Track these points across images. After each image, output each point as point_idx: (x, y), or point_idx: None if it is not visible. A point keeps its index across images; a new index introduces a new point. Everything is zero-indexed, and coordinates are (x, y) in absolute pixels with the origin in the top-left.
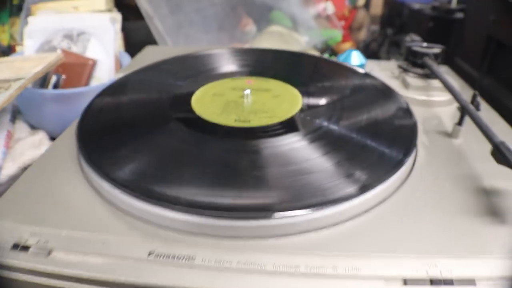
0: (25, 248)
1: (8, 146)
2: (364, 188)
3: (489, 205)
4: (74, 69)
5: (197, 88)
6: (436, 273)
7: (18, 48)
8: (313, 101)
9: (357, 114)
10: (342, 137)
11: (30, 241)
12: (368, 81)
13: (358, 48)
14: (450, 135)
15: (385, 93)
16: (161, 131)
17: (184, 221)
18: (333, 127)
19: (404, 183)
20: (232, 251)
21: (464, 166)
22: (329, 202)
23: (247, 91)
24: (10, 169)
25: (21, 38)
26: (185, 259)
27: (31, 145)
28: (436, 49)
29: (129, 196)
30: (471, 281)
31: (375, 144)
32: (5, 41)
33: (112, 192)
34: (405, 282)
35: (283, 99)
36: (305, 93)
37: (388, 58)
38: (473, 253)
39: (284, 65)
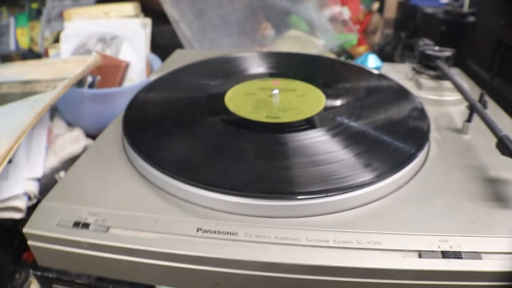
0: (85, 225)
1: (49, 142)
2: (381, 176)
3: (494, 192)
4: (108, 71)
5: (229, 88)
6: (446, 247)
7: (51, 51)
8: (334, 100)
9: (375, 113)
10: (361, 132)
11: (89, 220)
12: (384, 82)
13: (373, 51)
14: (460, 131)
15: (400, 93)
16: (201, 125)
17: (228, 202)
18: (353, 124)
19: (418, 173)
20: (271, 228)
21: (472, 158)
22: (351, 187)
23: (276, 91)
24: (52, 162)
25: (42, 42)
26: (230, 234)
27: (70, 141)
28: (448, 53)
29: (179, 181)
30: (478, 255)
31: (391, 138)
32: (24, 44)
33: (161, 178)
34: (420, 254)
35: (308, 98)
36: (327, 93)
37: (402, 61)
38: (479, 232)
39: (306, 68)
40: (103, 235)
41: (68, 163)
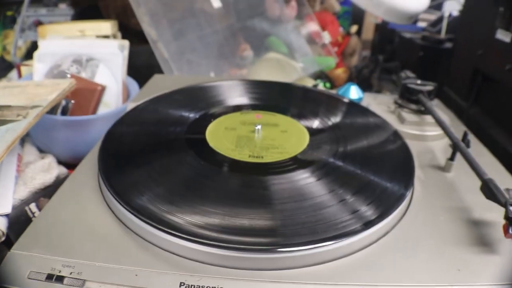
0: (59, 278)
1: (19, 170)
2: (368, 224)
3: (478, 235)
4: (83, 94)
5: (209, 121)
6: None
7: (24, 70)
8: (318, 137)
9: (360, 151)
10: (347, 172)
11: (64, 272)
12: (370, 118)
13: (350, 73)
14: (443, 169)
15: (385, 130)
16: (183, 166)
17: (212, 254)
18: (339, 163)
19: (404, 216)
20: (257, 282)
21: (456, 199)
22: (338, 236)
23: (258, 127)
24: (22, 193)
25: (15, 51)
26: None
27: (41, 169)
28: (429, 87)
29: (160, 230)
30: None
31: (378, 179)
32: None
33: (140, 226)
34: None
35: (291, 135)
36: (311, 130)
37: (379, 84)
38: (466, 280)
39: (289, 99)
40: None
41: (40, 194)
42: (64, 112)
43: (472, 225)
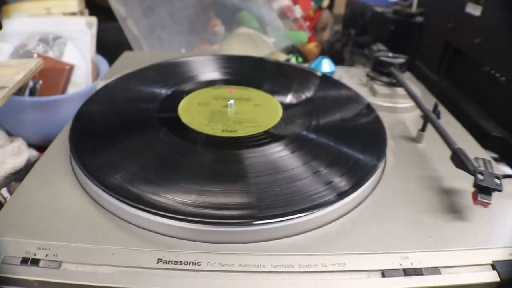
0: (35, 261)
1: None
2: (342, 194)
3: (449, 203)
4: (51, 74)
5: (181, 98)
6: (408, 265)
7: None
8: (291, 111)
9: (333, 123)
10: (320, 145)
11: (39, 255)
12: (342, 91)
13: (322, 48)
14: (414, 139)
15: (358, 103)
16: (155, 142)
17: (187, 229)
18: (312, 136)
19: (377, 186)
20: (234, 255)
21: (427, 168)
22: (313, 208)
23: (231, 101)
24: None
25: None
26: (192, 264)
27: (11, 153)
28: (401, 59)
29: (135, 208)
30: (437, 270)
31: (351, 151)
32: None
33: (115, 204)
34: (383, 273)
35: (264, 109)
36: (284, 103)
37: (351, 58)
38: (437, 246)
39: (262, 74)
40: (55, 272)
41: (11, 178)
42: (32, 93)
43: (443, 193)
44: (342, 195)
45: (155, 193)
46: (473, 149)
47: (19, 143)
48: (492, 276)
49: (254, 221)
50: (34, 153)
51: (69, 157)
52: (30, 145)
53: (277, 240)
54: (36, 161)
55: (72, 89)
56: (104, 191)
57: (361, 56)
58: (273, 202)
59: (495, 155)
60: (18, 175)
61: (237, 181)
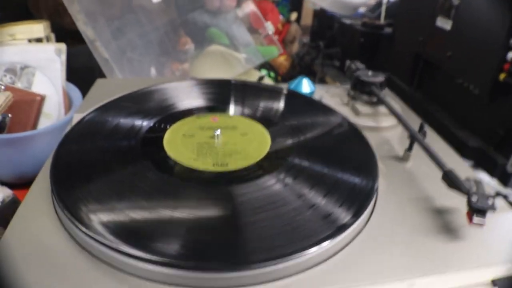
0: None
1: None
2: (344, 226)
3: (444, 223)
4: (21, 107)
5: (164, 130)
6: None
7: None
8: (280, 137)
9: (323, 149)
10: (314, 174)
11: None
12: (327, 114)
13: (293, 60)
14: (401, 159)
15: (345, 126)
16: (142, 181)
17: (165, 274)
18: (305, 164)
19: (373, 213)
20: None
21: (418, 188)
22: (316, 243)
23: (218, 132)
24: None
25: None
26: None
27: None
28: (380, 78)
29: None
30: None
31: (346, 178)
32: None
33: (121, 260)
34: None
35: (252, 137)
36: (271, 130)
37: (322, 71)
38: (439, 269)
39: (243, 97)
40: None
41: None
42: (1, 128)
43: (437, 213)
44: (344, 226)
45: (140, 238)
46: (457, 165)
47: None
48: None
49: (255, 265)
50: (7, 192)
51: (52, 202)
52: (3, 183)
53: (281, 280)
54: (11, 200)
55: (44, 121)
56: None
57: (331, 68)
58: (275, 241)
59: (472, 162)
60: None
61: (235, 221)
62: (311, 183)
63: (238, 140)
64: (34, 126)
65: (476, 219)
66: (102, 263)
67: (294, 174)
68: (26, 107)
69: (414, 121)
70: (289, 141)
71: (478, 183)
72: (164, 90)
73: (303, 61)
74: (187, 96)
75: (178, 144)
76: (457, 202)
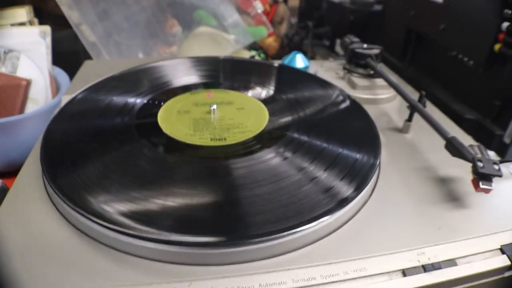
0: None
1: None
2: (347, 199)
3: (448, 192)
4: (6, 92)
5: (158, 106)
6: (425, 260)
7: None
8: (277, 112)
9: (322, 122)
10: (314, 148)
11: None
12: (325, 87)
13: (282, 41)
14: (401, 130)
15: (343, 99)
16: (139, 160)
17: (171, 253)
18: (304, 138)
19: (377, 184)
20: (250, 275)
21: (420, 159)
22: (321, 215)
23: (214, 107)
24: None
25: None
26: None
27: None
28: (376, 50)
29: (134, 238)
30: (453, 262)
31: (347, 150)
32: None
33: (115, 237)
34: (404, 273)
35: (249, 111)
36: (267, 104)
37: (312, 50)
38: (448, 237)
39: (237, 73)
40: None
41: None
42: None
43: (441, 182)
44: (347, 199)
45: (139, 216)
46: (457, 134)
47: None
48: (502, 261)
49: (265, 237)
50: None
51: (44, 184)
52: None
53: (290, 253)
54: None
55: (30, 107)
56: (89, 218)
57: (321, 47)
58: (281, 213)
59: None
60: None
61: (238, 195)
62: (312, 157)
63: (235, 115)
64: (21, 112)
65: (482, 183)
66: (96, 241)
67: (294, 148)
68: (12, 92)
69: (412, 93)
70: (288, 115)
71: (482, 149)
72: (156, 68)
73: (292, 41)
74: (180, 74)
75: (173, 121)
76: (461, 172)
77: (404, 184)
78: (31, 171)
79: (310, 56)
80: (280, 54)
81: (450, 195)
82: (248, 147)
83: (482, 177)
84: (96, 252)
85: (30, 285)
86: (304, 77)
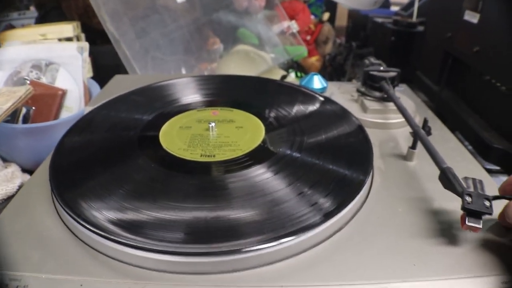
0: None
1: None
2: (325, 217)
3: (436, 226)
4: (44, 100)
5: (164, 121)
6: None
7: None
8: (274, 131)
9: (317, 141)
10: (304, 165)
11: (10, 287)
12: (327, 106)
13: (324, 61)
14: (405, 157)
15: (343, 118)
16: (133, 171)
17: (157, 261)
18: (296, 155)
19: (361, 208)
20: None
21: (416, 188)
22: (289, 233)
23: (212, 124)
24: None
25: None
26: None
27: (4, 179)
28: (392, 73)
29: (102, 238)
30: None
31: (335, 169)
32: None
33: (88, 235)
34: None
35: (246, 130)
36: (267, 123)
37: (353, 71)
38: (421, 275)
39: (246, 93)
40: None
41: (3, 204)
42: (26, 119)
43: (432, 215)
44: (324, 217)
45: (126, 223)
46: (468, 165)
47: (13, 169)
48: None
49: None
50: (26, 177)
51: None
52: (25, 170)
53: (246, 270)
54: None
55: (65, 114)
56: (77, 221)
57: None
58: (248, 231)
59: (497, 167)
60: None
61: (214, 208)
62: (293, 179)
63: (231, 133)
64: (56, 118)
65: (468, 221)
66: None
67: (276, 170)
68: (49, 100)
69: (432, 119)
70: (283, 134)
71: (477, 182)
72: (170, 85)
73: (335, 61)
74: (192, 92)
75: (173, 135)
76: (457, 206)
77: (390, 213)
78: (43, 172)
79: (350, 77)
80: (322, 74)
81: (437, 229)
82: (232, 165)
83: (470, 214)
84: (77, 247)
85: (17, 266)
86: (308, 98)
